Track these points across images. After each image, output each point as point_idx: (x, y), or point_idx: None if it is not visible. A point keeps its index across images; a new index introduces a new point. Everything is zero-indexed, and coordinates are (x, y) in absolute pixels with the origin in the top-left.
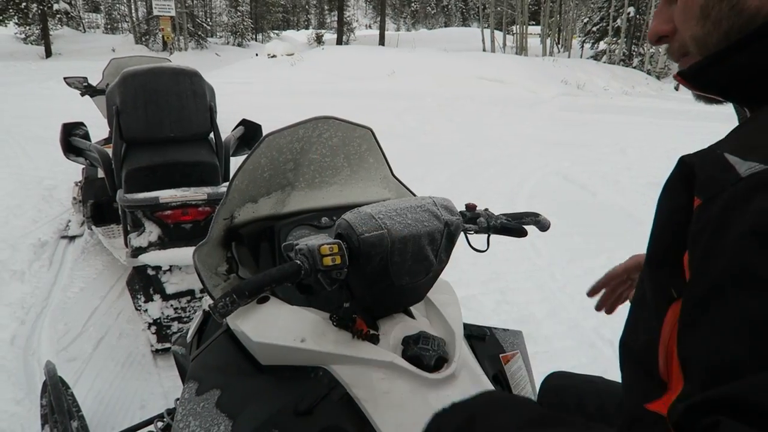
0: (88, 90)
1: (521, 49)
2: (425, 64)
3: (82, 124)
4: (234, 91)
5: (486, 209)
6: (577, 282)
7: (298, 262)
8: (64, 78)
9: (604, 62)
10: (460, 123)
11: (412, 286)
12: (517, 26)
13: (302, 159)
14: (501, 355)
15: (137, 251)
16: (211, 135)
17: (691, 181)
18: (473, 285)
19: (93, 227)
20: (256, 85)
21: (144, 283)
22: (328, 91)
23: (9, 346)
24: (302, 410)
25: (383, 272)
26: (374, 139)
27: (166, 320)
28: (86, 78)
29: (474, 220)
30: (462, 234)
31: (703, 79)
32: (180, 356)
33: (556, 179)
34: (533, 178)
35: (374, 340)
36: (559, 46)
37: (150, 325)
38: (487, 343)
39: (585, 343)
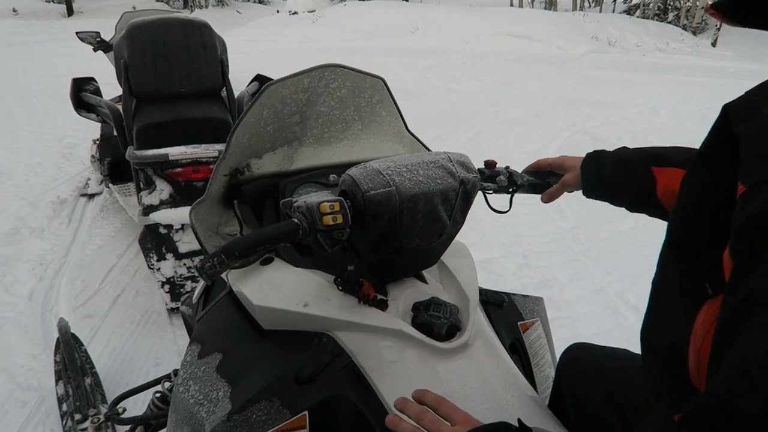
0: (101, 45)
1: (550, 4)
2: (450, 21)
3: (92, 79)
4: (254, 48)
5: (507, 167)
6: (602, 246)
7: (296, 220)
8: (77, 33)
9: (638, 17)
10: (486, 81)
11: (424, 249)
12: None
13: (309, 111)
14: (519, 323)
15: (148, 209)
16: (224, 90)
17: (737, 151)
18: (494, 247)
19: (110, 185)
20: (277, 42)
21: (156, 242)
22: (350, 49)
23: (27, 302)
24: (304, 378)
25: (391, 233)
26: (387, 89)
27: (179, 279)
28: (98, 33)
29: (493, 178)
30: (480, 193)
31: (744, 6)
32: (188, 317)
33: (583, 139)
34: (560, 138)
35: (382, 305)
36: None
37: (163, 284)
38: (504, 310)
39: (609, 309)
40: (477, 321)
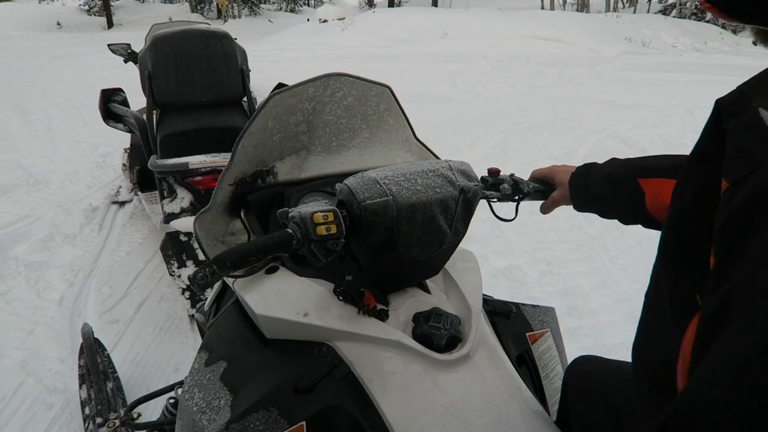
0: (131, 56)
1: (582, 6)
2: (479, 25)
3: (120, 90)
4: (284, 57)
5: (512, 174)
6: (631, 253)
7: (290, 230)
8: (108, 45)
9: (674, 17)
10: (515, 85)
11: (425, 259)
12: None
13: (316, 120)
14: (528, 334)
15: (169, 217)
16: (245, 99)
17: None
18: (518, 254)
19: (139, 193)
20: (307, 50)
21: (177, 249)
22: (379, 55)
23: (57, 307)
24: (302, 388)
25: (389, 243)
26: (393, 97)
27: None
28: (129, 45)
29: (497, 186)
30: (486, 202)
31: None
32: (201, 324)
33: (613, 143)
34: (589, 142)
35: (382, 315)
36: (624, 0)
37: (184, 290)
38: (512, 321)
39: (635, 318)
40: (480, 332)
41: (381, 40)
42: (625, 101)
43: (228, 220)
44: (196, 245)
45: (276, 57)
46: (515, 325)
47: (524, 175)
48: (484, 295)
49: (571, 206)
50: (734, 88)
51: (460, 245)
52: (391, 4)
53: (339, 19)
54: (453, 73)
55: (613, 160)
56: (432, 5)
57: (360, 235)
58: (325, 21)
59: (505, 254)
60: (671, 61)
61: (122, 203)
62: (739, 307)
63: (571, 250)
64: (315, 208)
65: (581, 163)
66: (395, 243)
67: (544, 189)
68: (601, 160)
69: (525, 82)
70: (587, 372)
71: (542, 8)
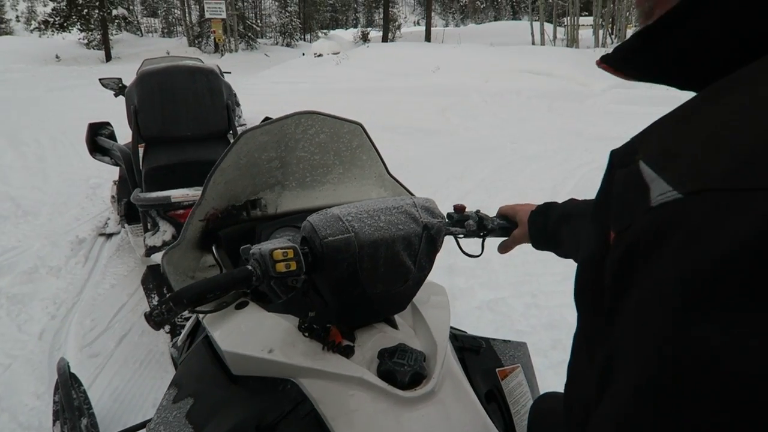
0: (122, 90)
1: (572, 42)
2: (471, 60)
3: (108, 124)
4: (280, 90)
5: (477, 211)
6: None
7: (250, 267)
8: (100, 79)
9: None
10: (505, 118)
11: (390, 295)
12: (568, 18)
13: (289, 157)
14: (498, 370)
15: (151, 250)
16: (231, 133)
17: None
18: (504, 287)
19: (125, 225)
20: (302, 83)
21: (157, 282)
22: (372, 89)
23: (37, 341)
24: (265, 426)
25: (352, 279)
26: (365, 135)
27: (180, 320)
28: (120, 79)
29: (462, 222)
30: (453, 238)
31: (635, 59)
32: (175, 359)
33: (601, 175)
34: (578, 174)
35: (348, 352)
36: (613, 36)
37: None
38: (481, 356)
39: None
40: (447, 368)
41: (374, 73)
42: (613, 134)
43: (198, 255)
44: None
45: (272, 90)
46: (485, 361)
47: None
48: (454, 329)
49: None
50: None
51: (431, 279)
52: (385, 39)
53: (334, 54)
54: (445, 106)
55: (571, 200)
56: (425, 40)
57: (322, 271)
58: (320, 55)
59: (491, 286)
60: (659, 95)
61: (109, 235)
62: (613, 371)
63: (557, 282)
64: (275, 244)
65: (568, 197)
66: (358, 279)
67: (507, 226)
68: (590, 192)
69: (516, 115)
70: (551, 408)
71: (533, 43)
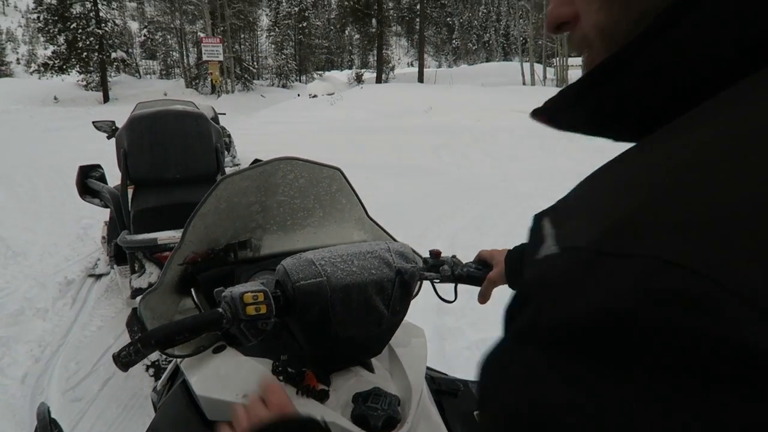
0: (115, 133)
1: (562, 82)
2: (463, 100)
3: (98, 166)
4: (275, 130)
5: (453, 256)
6: None
7: (221, 310)
8: (93, 122)
9: None
10: (497, 157)
11: (363, 339)
12: (558, 58)
13: (269, 201)
14: (476, 413)
15: (136, 292)
16: (220, 176)
17: None
18: (494, 326)
19: (115, 266)
20: (297, 124)
21: (141, 325)
22: (365, 128)
23: (19, 385)
24: None
25: (325, 323)
26: (344, 179)
27: (164, 362)
28: (114, 122)
29: (437, 268)
30: (430, 283)
31: (569, 111)
32: (154, 403)
33: None
34: None
35: (322, 396)
36: None
37: (148, 367)
38: (459, 399)
39: None
40: (422, 411)
41: (368, 114)
42: None
43: (177, 299)
44: None
45: (267, 130)
46: (463, 404)
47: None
48: (433, 371)
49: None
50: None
51: (409, 321)
52: (379, 80)
53: (328, 95)
54: (437, 145)
55: None
56: (418, 81)
57: (294, 315)
58: (314, 96)
59: (480, 326)
60: None
61: (98, 276)
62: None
63: None
64: (246, 288)
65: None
66: (331, 323)
67: (479, 274)
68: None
69: (507, 153)
70: None
71: (523, 83)
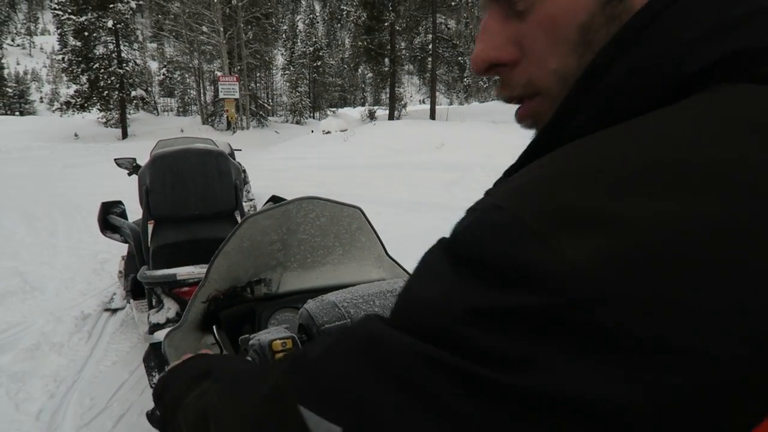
0: (136, 170)
1: None
2: (474, 136)
3: (120, 202)
4: (289, 166)
5: None
6: None
7: (249, 358)
8: (115, 159)
9: None
10: None
11: None
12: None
13: (290, 239)
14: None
15: (154, 327)
16: (237, 212)
17: None
18: None
19: (131, 301)
20: (310, 159)
21: (159, 361)
22: (378, 164)
23: (34, 421)
24: None
25: None
26: (365, 218)
27: None
28: (135, 159)
29: None
30: None
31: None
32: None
33: None
34: None
35: None
36: None
37: None
38: None
39: None
40: None
41: (381, 150)
42: None
43: (200, 336)
44: None
45: (281, 165)
46: None
47: None
48: None
49: None
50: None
51: None
52: (391, 116)
53: (341, 131)
54: (449, 181)
55: None
56: (430, 118)
57: None
58: (328, 132)
59: None
60: None
61: (114, 310)
62: None
63: None
64: (273, 335)
65: None
66: None
67: None
68: None
69: None
70: None
71: None
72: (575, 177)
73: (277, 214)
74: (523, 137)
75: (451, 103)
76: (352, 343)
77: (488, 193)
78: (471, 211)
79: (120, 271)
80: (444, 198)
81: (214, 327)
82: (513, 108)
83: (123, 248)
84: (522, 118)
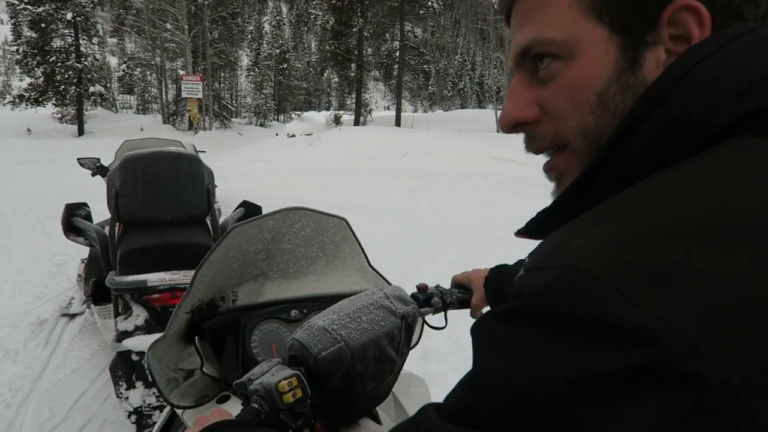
0: (100, 170)
1: None
2: (439, 144)
3: (85, 204)
4: (253, 168)
5: (437, 285)
6: None
7: (256, 405)
8: (78, 159)
9: None
10: (473, 202)
11: (377, 389)
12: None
13: (274, 249)
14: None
15: (122, 335)
16: (209, 217)
17: None
18: None
19: (92, 306)
20: (275, 163)
21: (127, 369)
22: (343, 169)
23: None
24: None
25: (347, 385)
26: (349, 228)
27: (147, 409)
28: (99, 159)
29: (428, 301)
30: (421, 318)
31: (556, 223)
32: None
33: None
34: None
35: None
36: None
37: (130, 414)
38: None
39: None
40: None
41: (346, 155)
42: None
43: (182, 347)
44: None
45: (246, 168)
46: None
47: None
48: None
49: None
50: None
51: (411, 372)
52: (357, 122)
53: (306, 135)
54: (414, 188)
55: (521, 261)
56: (395, 125)
57: (318, 384)
58: (293, 136)
59: (463, 372)
60: None
61: (73, 316)
62: None
63: None
64: (277, 376)
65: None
66: (352, 383)
67: (465, 298)
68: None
69: (483, 198)
70: None
71: (497, 131)
72: (646, 232)
73: (264, 224)
74: (487, 147)
75: (415, 110)
76: None
77: (541, 252)
78: (538, 270)
79: (79, 275)
80: (409, 205)
81: (196, 338)
82: (478, 117)
83: (82, 250)
84: (549, 170)
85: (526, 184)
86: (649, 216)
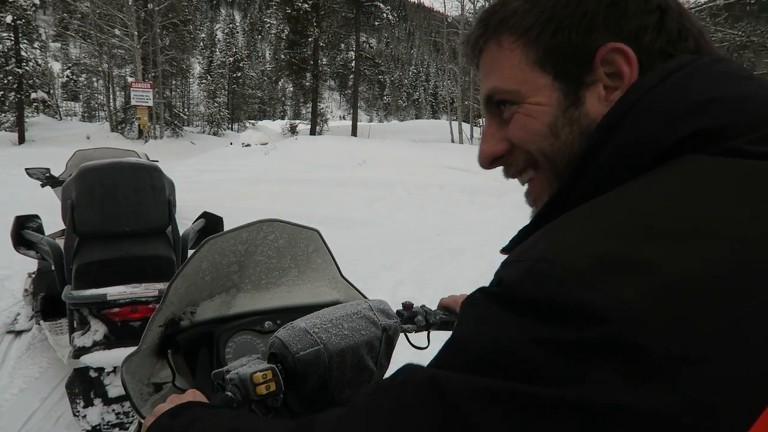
0: (50, 181)
1: None
2: (395, 154)
3: (36, 216)
4: (207, 178)
5: (423, 305)
6: None
7: (230, 393)
8: (26, 169)
9: None
10: (430, 211)
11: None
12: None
13: (247, 261)
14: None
15: (80, 351)
16: (170, 228)
17: None
18: None
19: (41, 322)
20: (231, 173)
21: (85, 386)
22: (300, 180)
23: None
24: None
25: (323, 389)
26: (321, 240)
27: (106, 426)
28: (48, 169)
29: (412, 319)
30: (403, 334)
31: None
32: None
33: None
34: None
35: None
36: None
37: None
38: None
39: None
40: None
41: (302, 165)
42: None
43: (155, 361)
44: (107, 382)
45: (198, 178)
46: None
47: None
48: None
49: None
50: None
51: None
52: (313, 132)
53: (262, 144)
54: (372, 198)
55: None
56: (352, 135)
57: (294, 385)
58: (248, 145)
59: None
60: None
61: (19, 332)
62: None
63: None
64: (253, 368)
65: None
66: (328, 388)
67: (450, 320)
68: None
69: (439, 208)
70: None
71: (452, 141)
72: (603, 232)
73: (238, 236)
74: (442, 157)
75: (371, 120)
76: (406, 390)
77: (518, 249)
78: (513, 263)
79: (26, 290)
80: (368, 214)
81: (169, 352)
82: (433, 128)
83: (27, 264)
84: (527, 195)
85: (479, 193)
86: (608, 218)
